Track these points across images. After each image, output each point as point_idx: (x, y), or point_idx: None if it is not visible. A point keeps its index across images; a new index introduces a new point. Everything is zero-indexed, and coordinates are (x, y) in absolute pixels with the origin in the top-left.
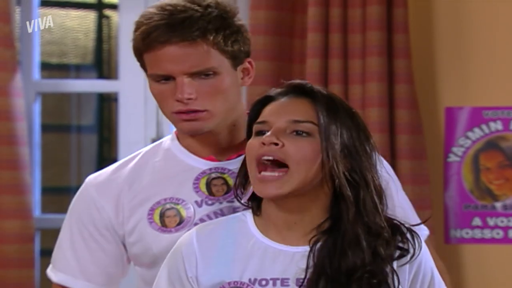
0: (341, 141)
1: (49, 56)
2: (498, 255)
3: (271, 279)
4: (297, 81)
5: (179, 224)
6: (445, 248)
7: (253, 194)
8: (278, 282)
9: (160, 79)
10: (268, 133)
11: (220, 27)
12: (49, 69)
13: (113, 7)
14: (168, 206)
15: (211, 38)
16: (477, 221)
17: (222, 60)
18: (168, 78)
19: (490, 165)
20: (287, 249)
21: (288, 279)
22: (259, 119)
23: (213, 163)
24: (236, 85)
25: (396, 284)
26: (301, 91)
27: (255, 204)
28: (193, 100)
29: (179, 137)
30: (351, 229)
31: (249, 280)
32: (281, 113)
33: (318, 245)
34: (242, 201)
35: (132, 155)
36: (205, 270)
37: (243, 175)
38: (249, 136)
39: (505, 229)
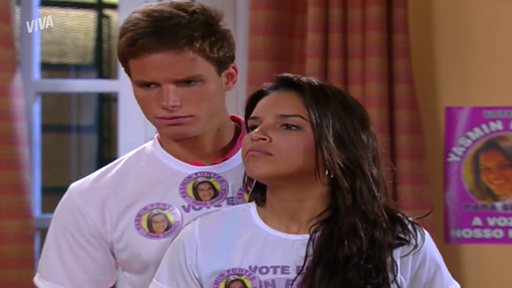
0: (333, 132)
1: (49, 56)
2: (498, 255)
3: (271, 266)
4: (286, 74)
5: (167, 229)
6: (445, 248)
7: (257, 184)
8: (279, 269)
9: (145, 85)
10: (256, 129)
11: (206, 34)
12: (49, 69)
13: (113, 6)
14: (155, 211)
15: (198, 45)
16: (477, 221)
17: (207, 67)
18: (152, 84)
19: (490, 165)
20: (288, 237)
21: (288, 266)
22: (252, 115)
23: (198, 168)
24: (221, 90)
25: (395, 271)
26: (289, 84)
27: (259, 194)
28: (178, 107)
29: (162, 142)
30: (348, 218)
31: (250, 267)
32: (270, 108)
33: (318, 233)
34: (248, 194)
35: (115, 161)
36: (205, 258)
37: None
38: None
39: (505, 229)
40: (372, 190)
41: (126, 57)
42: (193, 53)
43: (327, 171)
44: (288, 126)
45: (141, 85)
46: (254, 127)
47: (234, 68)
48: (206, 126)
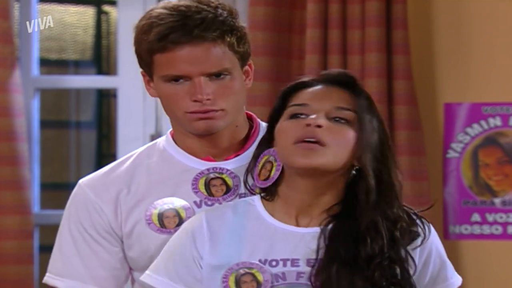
0: (376, 135)
1: (48, 52)
2: (497, 251)
3: (281, 259)
4: (337, 70)
5: (178, 225)
6: (444, 244)
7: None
8: (289, 262)
9: (173, 80)
10: (314, 116)
11: (233, 28)
12: (48, 65)
13: (112, 3)
14: (166, 206)
15: (228, 39)
16: (476, 217)
17: (234, 61)
18: (181, 78)
19: (489, 161)
20: (297, 230)
21: (298, 259)
22: (298, 102)
23: (211, 163)
24: (244, 86)
25: (413, 266)
26: (340, 82)
27: (273, 189)
28: (210, 101)
29: (175, 138)
30: (370, 215)
31: (259, 260)
32: (324, 98)
33: (329, 227)
34: (261, 186)
35: (126, 156)
36: (213, 251)
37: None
38: (271, 124)
39: (504, 225)
40: (395, 192)
41: (152, 52)
42: (224, 46)
43: (354, 169)
44: (338, 120)
45: (169, 80)
46: (297, 114)
47: (250, 65)
48: (232, 121)
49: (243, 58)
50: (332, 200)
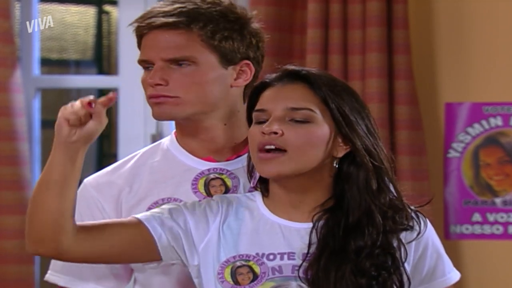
0: (352, 120)
1: (49, 52)
2: (498, 251)
3: (278, 253)
4: (292, 66)
5: None
6: (445, 244)
7: (261, 177)
8: (285, 256)
9: (144, 66)
10: (267, 123)
11: (212, 21)
12: (49, 65)
13: (113, 2)
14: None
15: (195, 29)
16: (477, 216)
17: (205, 53)
18: (150, 64)
19: (490, 161)
20: (293, 225)
21: (294, 253)
22: (257, 107)
23: (211, 164)
24: (223, 83)
25: (404, 256)
26: (296, 76)
27: (263, 186)
28: (164, 86)
29: (178, 137)
30: (361, 206)
31: (257, 254)
32: (278, 100)
33: (322, 221)
34: (251, 185)
35: (130, 156)
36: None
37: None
38: (249, 122)
39: (505, 224)
40: (384, 180)
41: (138, 39)
42: (188, 35)
43: (335, 162)
44: (296, 120)
45: (142, 66)
46: (260, 119)
47: (249, 66)
48: (199, 113)
49: (224, 54)
50: (321, 194)
